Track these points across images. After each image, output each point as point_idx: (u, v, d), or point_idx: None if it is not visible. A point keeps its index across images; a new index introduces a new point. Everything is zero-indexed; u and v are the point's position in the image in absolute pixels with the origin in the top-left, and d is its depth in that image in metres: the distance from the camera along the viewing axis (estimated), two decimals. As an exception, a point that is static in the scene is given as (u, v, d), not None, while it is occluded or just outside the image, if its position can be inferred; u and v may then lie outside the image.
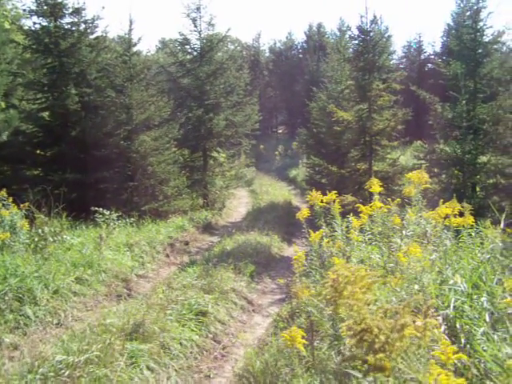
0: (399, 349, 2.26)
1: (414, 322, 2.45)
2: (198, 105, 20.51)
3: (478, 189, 14.68)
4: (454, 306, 4.18)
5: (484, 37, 15.23)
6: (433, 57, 42.01)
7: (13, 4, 19.00)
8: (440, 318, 3.66)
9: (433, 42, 79.13)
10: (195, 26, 21.00)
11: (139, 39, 17.55)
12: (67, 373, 5.17)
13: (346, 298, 2.43)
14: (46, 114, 16.67)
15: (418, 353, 2.50)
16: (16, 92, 16.29)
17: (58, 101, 15.82)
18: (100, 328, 6.46)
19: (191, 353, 6.78)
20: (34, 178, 15.74)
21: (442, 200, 5.51)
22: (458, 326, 4.06)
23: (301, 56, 52.19)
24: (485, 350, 3.49)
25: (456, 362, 3.64)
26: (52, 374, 5.15)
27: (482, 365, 3.51)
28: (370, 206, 5.64)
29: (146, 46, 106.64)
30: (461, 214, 5.59)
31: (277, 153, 41.35)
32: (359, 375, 2.55)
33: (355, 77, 16.73)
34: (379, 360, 2.24)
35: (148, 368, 5.85)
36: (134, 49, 17.45)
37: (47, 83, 16.13)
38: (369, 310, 2.34)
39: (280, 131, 55.96)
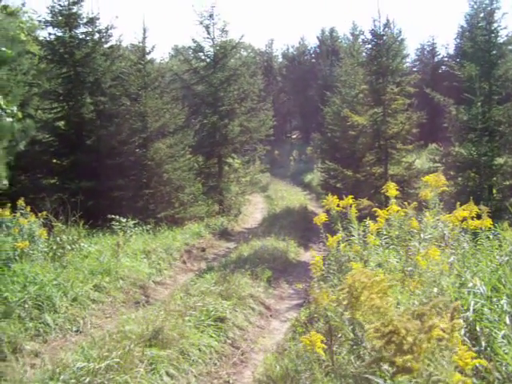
0: (427, 350, 2.26)
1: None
2: (212, 111, 20.60)
3: (494, 191, 14.59)
4: (474, 309, 4.16)
5: (498, 38, 15.17)
6: (446, 59, 41.82)
7: (28, 16, 19.24)
8: (461, 320, 3.65)
9: (446, 45, 78.83)
10: (208, 33, 21.11)
11: (153, 47, 17.69)
12: (88, 379, 5.20)
13: (363, 303, 2.43)
14: (61, 123, 16.83)
15: (444, 355, 2.50)
16: (32, 102, 16.45)
17: (73, 110, 15.99)
18: (119, 335, 6.50)
19: (210, 359, 6.80)
20: (50, 186, 15.90)
21: (458, 203, 5.49)
22: (478, 329, 4.05)
23: (314, 61, 52.20)
24: (506, 353, 3.47)
25: (477, 365, 3.63)
26: (73, 380, 5.19)
27: (504, 368, 3.50)
28: (387, 210, 5.63)
29: (160, 53, 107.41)
30: (478, 217, 5.57)
31: (291, 158, 41.37)
32: (380, 381, 2.55)
33: (369, 81, 16.73)
34: (407, 361, 2.25)
35: (167, 374, 5.87)
36: (148, 57, 17.59)
37: (62, 93, 16.30)
38: (396, 312, 2.35)
39: (294, 136, 55.97)
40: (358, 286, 2.52)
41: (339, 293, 2.73)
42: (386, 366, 2.58)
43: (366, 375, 3.16)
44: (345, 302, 2.59)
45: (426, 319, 2.29)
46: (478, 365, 3.60)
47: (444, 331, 2.39)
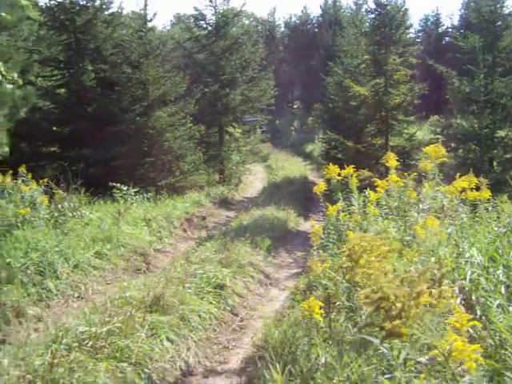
0: (415, 316, 2.31)
1: (429, 290, 2.51)
2: (213, 80, 20.53)
3: (495, 164, 14.63)
4: (471, 279, 4.22)
5: (504, 8, 15.04)
6: (451, 30, 41.50)
7: (28, -19, 19.01)
8: (456, 288, 3.72)
9: (451, 15, 78.32)
10: (210, 1, 20.91)
11: (154, 15, 17.54)
12: (90, 343, 5.29)
13: (363, 267, 2.49)
14: (62, 91, 16.76)
15: (433, 320, 2.56)
16: (32, 69, 16.37)
17: (73, 77, 15.90)
18: (120, 301, 6.57)
19: (210, 325, 6.90)
20: (51, 154, 15.92)
21: (458, 174, 5.53)
22: (473, 298, 4.11)
23: (316, 30, 51.67)
24: (500, 322, 3.54)
25: (472, 332, 3.70)
26: (76, 344, 5.28)
27: (497, 335, 3.57)
28: (387, 181, 5.68)
29: (162, 21, 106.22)
30: (477, 189, 5.61)
31: (292, 128, 41.24)
32: (377, 341, 2.62)
33: (371, 51, 16.65)
34: (396, 326, 2.31)
35: (168, 339, 5.96)
36: (150, 24, 17.44)
37: (63, 60, 16.21)
38: (386, 278, 2.40)
39: (295, 106, 55.68)
40: (357, 249, 2.57)
41: (339, 257, 2.78)
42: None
43: (363, 336, 3.24)
44: (345, 266, 2.64)
45: (415, 286, 2.34)
46: (472, 332, 3.68)
47: (432, 297, 2.44)
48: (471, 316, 2.82)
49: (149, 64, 16.39)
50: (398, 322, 2.30)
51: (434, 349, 2.48)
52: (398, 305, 2.31)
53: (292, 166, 24.59)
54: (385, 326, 2.35)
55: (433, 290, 2.47)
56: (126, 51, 16.70)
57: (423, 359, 2.62)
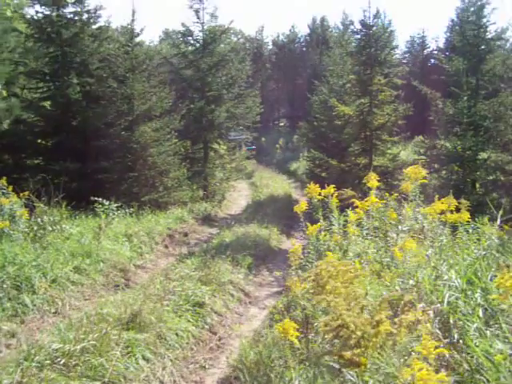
0: (375, 344, 2.28)
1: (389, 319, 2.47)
2: (199, 96, 20.54)
3: (477, 185, 14.69)
4: (449, 302, 4.19)
5: (487, 33, 15.22)
6: (436, 52, 41.94)
7: (16, -8, 18.97)
8: (431, 312, 3.69)
9: (436, 38, 79.32)
10: (198, 18, 21.01)
11: (142, 30, 17.61)
12: (63, 361, 5.20)
13: (329, 293, 2.45)
14: (47, 104, 16.69)
15: (396, 349, 2.53)
16: (18, 81, 16.31)
17: (59, 90, 15.86)
18: (97, 317, 6.48)
19: (187, 343, 6.82)
20: (34, 167, 15.78)
21: (437, 196, 5.53)
22: (451, 321, 4.08)
23: (304, 49, 52.16)
24: (477, 346, 3.51)
25: (448, 357, 3.67)
26: (48, 361, 5.18)
27: (475, 360, 3.54)
28: (366, 201, 5.67)
29: (149, 36, 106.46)
30: (459, 210, 5.61)
31: (277, 146, 41.32)
32: (337, 366, 2.58)
33: (357, 71, 16.74)
34: (355, 355, 2.27)
35: (144, 358, 5.88)
36: (137, 39, 17.46)
37: (49, 72, 16.16)
38: (348, 305, 2.36)
39: (282, 124, 55.90)
40: (324, 274, 2.54)
41: (307, 281, 2.75)
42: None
43: (326, 361, 3.20)
44: (311, 291, 2.60)
45: (376, 314, 2.30)
46: (448, 357, 3.65)
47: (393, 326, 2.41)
48: (441, 343, 2.79)
49: (135, 79, 16.37)
50: (357, 350, 2.26)
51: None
52: (358, 333, 2.27)
53: (276, 184, 24.61)
54: (344, 355, 2.31)
55: (395, 319, 2.43)
56: (112, 65, 16.66)
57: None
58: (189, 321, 7.31)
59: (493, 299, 3.79)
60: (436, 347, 2.67)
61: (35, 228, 10.07)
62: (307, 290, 2.69)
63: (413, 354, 2.68)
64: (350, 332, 2.27)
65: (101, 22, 17.40)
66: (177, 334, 6.77)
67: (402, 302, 2.47)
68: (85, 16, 16.58)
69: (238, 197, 22.88)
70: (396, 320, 2.41)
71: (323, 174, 19.84)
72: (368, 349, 2.27)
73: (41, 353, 5.35)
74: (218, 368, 6.42)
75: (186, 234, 14.53)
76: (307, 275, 2.75)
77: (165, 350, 6.29)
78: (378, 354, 2.37)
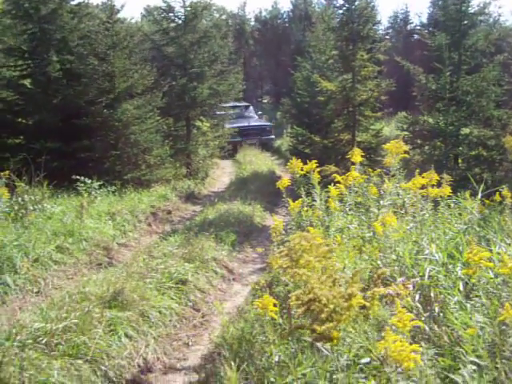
0: (348, 318, 2.27)
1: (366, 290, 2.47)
2: (181, 73, 20.31)
3: (460, 160, 14.76)
4: (430, 276, 4.23)
5: (469, 8, 15.15)
6: (419, 28, 41.89)
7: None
8: (411, 286, 3.71)
9: (420, 13, 79.27)
10: (179, -7, 20.68)
11: (122, 6, 17.51)
12: (45, 340, 5.19)
13: (303, 267, 2.44)
14: (27, 82, 16.45)
15: (370, 322, 2.53)
16: (-4, 59, 16.05)
17: (38, 68, 15.61)
18: (79, 296, 6.47)
19: (170, 321, 6.83)
20: (15, 146, 15.58)
21: (418, 170, 5.53)
22: (432, 295, 4.12)
23: (287, 25, 51.79)
24: (457, 319, 3.54)
25: (428, 331, 3.70)
26: (30, 341, 5.17)
27: (455, 333, 3.57)
28: (347, 176, 5.66)
29: (130, 13, 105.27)
30: (442, 185, 5.63)
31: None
32: (309, 339, 2.58)
33: (339, 46, 16.63)
34: (327, 329, 2.26)
35: (126, 335, 5.89)
36: (117, 16, 17.17)
37: (28, 50, 15.88)
38: (320, 279, 2.35)
39: (265, 101, 55.70)
40: (298, 249, 2.52)
41: (278, 257, 2.74)
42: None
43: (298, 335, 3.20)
44: (284, 266, 2.59)
45: (348, 287, 2.30)
46: (428, 330, 3.68)
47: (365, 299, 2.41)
48: (421, 316, 2.80)
49: (116, 56, 16.15)
50: (330, 324, 2.26)
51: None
52: (330, 307, 2.26)
53: (260, 161, 24.50)
54: (316, 329, 2.31)
55: (368, 292, 2.43)
56: (92, 42, 16.38)
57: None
58: (172, 298, 7.32)
59: (463, 273, 3.82)
60: (412, 320, 2.67)
61: (16, 207, 9.99)
62: (280, 265, 2.66)
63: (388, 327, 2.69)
64: (322, 306, 2.26)
65: (80, -2, 17.15)
66: (160, 312, 6.78)
67: (375, 275, 2.47)
68: (63, -9, 16.29)
69: (222, 174, 22.82)
70: (368, 293, 2.41)
71: (307, 151, 19.82)
72: (340, 322, 2.27)
73: (22, 332, 5.33)
74: (201, 345, 6.45)
75: (169, 212, 14.48)
76: (280, 250, 2.74)
77: (148, 328, 6.30)
78: (352, 327, 2.37)
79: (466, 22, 14.95)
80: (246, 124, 27.01)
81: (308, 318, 2.42)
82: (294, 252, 2.50)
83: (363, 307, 2.42)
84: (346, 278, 2.40)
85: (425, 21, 42.46)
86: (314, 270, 2.42)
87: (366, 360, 2.61)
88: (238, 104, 28.08)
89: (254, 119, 28.56)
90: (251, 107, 30.17)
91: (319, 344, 2.61)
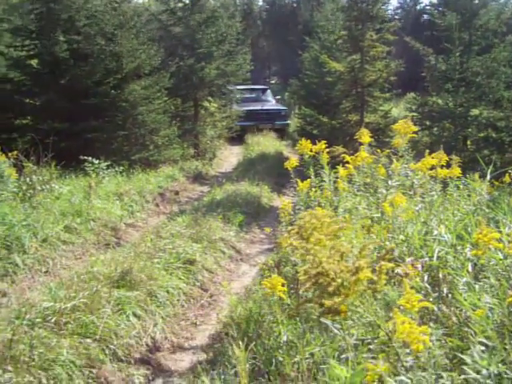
0: (355, 292, 2.27)
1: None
2: (189, 54, 20.21)
3: (469, 142, 14.68)
4: (438, 257, 4.21)
5: (481, -14, 15.00)
6: (429, 7, 41.43)
7: None
8: (419, 266, 3.70)
9: (429, -8, 78.39)
10: (187, -27, 20.54)
11: (129, -15, 17.22)
12: (54, 319, 5.22)
13: (313, 245, 2.43)
14: (34, 62, 16.41)
15: (378, 297, 2.52)
16: (3, 38, 15.99)
17: (46, 48, 15.54)
18: (87, 276, 6.50)
19: (178, 300, 6.85)
20: (23, 127, 15.59)
21: (427, 151, 5.49)
22: (440, 275, 4.11)
23: (295, 5, 51.36)
24: (465, 300, 3.53)
25: (437, 311, 3.69)
26: (39, 320, 5.20)
27: (463, 314, 3.57)
28: (356, 157, 5.63)
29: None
30: (451, 166, 5.59)
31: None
32: (317, 314, 2.58)
33: (348, 26, 16.51)
34: (335, 304, 2.26)
35: (135, 315, 5.91)
36: (125, -5, 17.10)
37: (35, 30, 15.82)
38: (326, 253, 2.34)
39: (273, 82, 55.39)
40: (308, 227, 2.52)
41: (288, 235, 2.73)
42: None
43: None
44: (294, 244, 2.58)
45: (355, 261, 2.29)
46: (437, 311, 3.67)
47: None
48: (429, 296, 2.79)
49: (123, 36, 16.08)
50: (338, 299, 2.25)
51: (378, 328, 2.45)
52: (338, 280, 2.26)
53: (267, 142, 24.43)
54: (324, 303, 2.31)
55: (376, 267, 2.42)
56: (99, 22, 16.31)
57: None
58: (180, 278, 7.33)
59: (472, 254, 3.81)
60: (420, 300, 2.66)
61: (24, 188, 10.01)
62: (291, 243, 2.66)
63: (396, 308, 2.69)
64: (330, 279, 2.26)
65: (87, -22, 17.01)
66: (167, 292, 6.80)
67: (384, 250, 2.46)
68: (70, -30, 16.18)
69: (229, 155, 22.78)
70: (376, 267, 2.40)
71: (314, 132, 19.74)
72: (348, 297, 2.27)
73: (32, 311, 5.36)
74: (208, 324, 6.47)
75: (177, 193, 14.48)
76: (291, 228, 2.74)
77: (156, 308, 6.33)
78: (360, 302, 2.37)
79: (476, 1, 14.80)
80: (258, 108, 25.45)
81: (316, 292, 2.41)
82: (304, 230, 2.49)
83: (371, 282, 2.41)
84: (354, 252, 2.39)
85: (435, 0, 42.03)
86: (324, 247, 2.41)
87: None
88: (254, 87, 27.70)
89: (270, 103, 26.95)
90: (269, 90, 28.81)
91: (328, 321, 2.61)
